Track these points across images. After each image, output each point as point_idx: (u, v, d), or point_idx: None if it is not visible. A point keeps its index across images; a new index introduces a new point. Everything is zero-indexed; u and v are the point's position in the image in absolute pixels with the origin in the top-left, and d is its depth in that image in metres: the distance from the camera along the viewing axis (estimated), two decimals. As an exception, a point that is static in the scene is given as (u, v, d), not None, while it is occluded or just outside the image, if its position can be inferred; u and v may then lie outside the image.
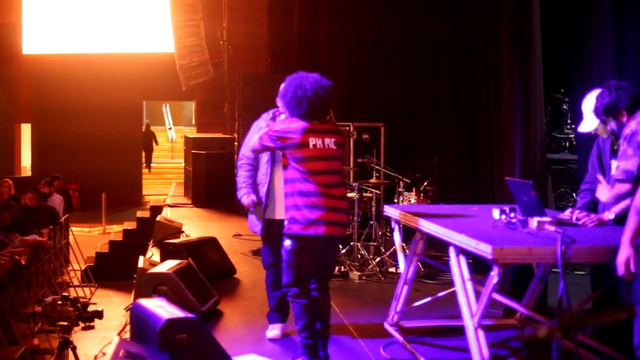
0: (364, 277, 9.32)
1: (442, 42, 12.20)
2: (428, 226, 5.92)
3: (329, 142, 5.83)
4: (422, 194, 10.19)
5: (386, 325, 6.89)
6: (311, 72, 6.01)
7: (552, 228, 5.10)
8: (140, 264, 8.38)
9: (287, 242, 5.88)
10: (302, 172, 5.77)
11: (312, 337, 5.88)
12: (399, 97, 13.31)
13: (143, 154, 29.33)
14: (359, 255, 9.80)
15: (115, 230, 19.40)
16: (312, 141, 5.76)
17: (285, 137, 5.79)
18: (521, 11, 8.70)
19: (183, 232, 11.24)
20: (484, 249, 4.79)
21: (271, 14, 16.20)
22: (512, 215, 5.51)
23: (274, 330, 6.88)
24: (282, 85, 6.04)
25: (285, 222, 5.89)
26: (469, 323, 5.17)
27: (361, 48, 14.08)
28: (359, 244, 9.84)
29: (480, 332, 5.10)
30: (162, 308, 5.79)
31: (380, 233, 10.18)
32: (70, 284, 14.97)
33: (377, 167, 10.65)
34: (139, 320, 5.92)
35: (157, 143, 31.48)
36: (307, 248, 5.84)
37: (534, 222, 5.25)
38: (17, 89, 27.09)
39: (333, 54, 14.62)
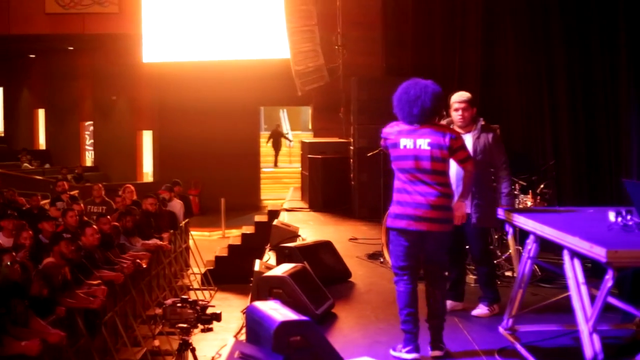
0: (479, 281, 9.21)
1: (559, 46, 12.04)
2: (542, 229, 5.85)
3: (422, 142, 6.22)
4: (538, 197, 10.03)
5: (501, 329, 6.83)
6: (426, 75, 6.53)
7: (671, 231, 4.99)
8: (257, 267, 8.49)
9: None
10: (394, 170, 6.38)
11: (406, 324, 6.29)
12: (514, 99, 13.17)
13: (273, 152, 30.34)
14: (474, 259, 9.69)
15: (234, 235, 19.73)
16: (403, 141, 6.27)
17: (385, 137, 6.44)
18: (637, 11, 8.53)
19: (299, 236, 11.31)
20: (598, 252, 4.71)
21: (385, 18, 16.19)
22: (628, 217, 5.41)
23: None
24: None
25: None
26: (584, 328, 5.10)
27: (477, 51, 13.97)
28: (474, 248, 9.73)
29: (595, 337, 5.02)
30: (276, 310, 5.89)
31: (496, 236, 10.06)
32: (191, 287, 15.31)
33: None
34: (254, 322, 6.03)
35: (288, 140, 32.30)
36: (397, 240, 6.36)
37: (651, 224, 5.15)
38: (138, 97, 27.86)
39: (448, 56, 14.54)
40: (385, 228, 9.33)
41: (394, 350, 6.40)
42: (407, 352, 6.28)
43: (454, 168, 6.73)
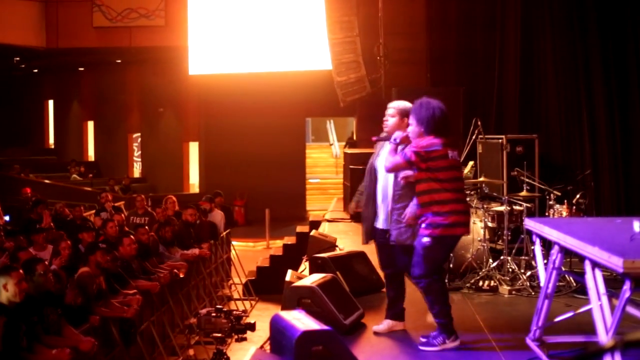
0: (513, 292, 9.16)
1: (596, 56, 12.01)
2: (565, 239, 5.81)
3: (454, 154, 6.69)
4: (574, 207, 9.93)
5: (528, 341, 6.78)
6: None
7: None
8: (288, 277, 8.54)
9: (425, 239, 6.54)
10: (438, 180, 6.54)
11: (445, 317, 6.72)
12: (553, 108, 13.11)
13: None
14: (509, 270, 9.64)
15: (278, 245, 19.78)
16: (450, 152, 6.60)
17: (430, 149, 6.54)
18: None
19: (337, 246, 11.30)
20: (615, 262, 4.67)
21: (429, 29, 16.18)
22: (652, 227, 5.34)
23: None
24: (415, 108, 6.73)
25: (423, 226, 6.56)
26: (604, 339, 5.05)
27: (516, 61, 13.94)
28: (509, 258, 9.68)
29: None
30: (299, 320, 5.91)
31: (532, 247, 9.96)
32: (232, 297, 15.36)
33: (527, 180, 10.42)
34: (277, 332, 6.07)
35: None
36: (447, 246, 6.77)
37: (673, 234, 5.09)
38: (185, 109, 28.11)
39: (490, 67, 14.51)
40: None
41: (437, 344, 6.73)
42: (451, 341, 6.72)
43: (381, 183, 7.19)
